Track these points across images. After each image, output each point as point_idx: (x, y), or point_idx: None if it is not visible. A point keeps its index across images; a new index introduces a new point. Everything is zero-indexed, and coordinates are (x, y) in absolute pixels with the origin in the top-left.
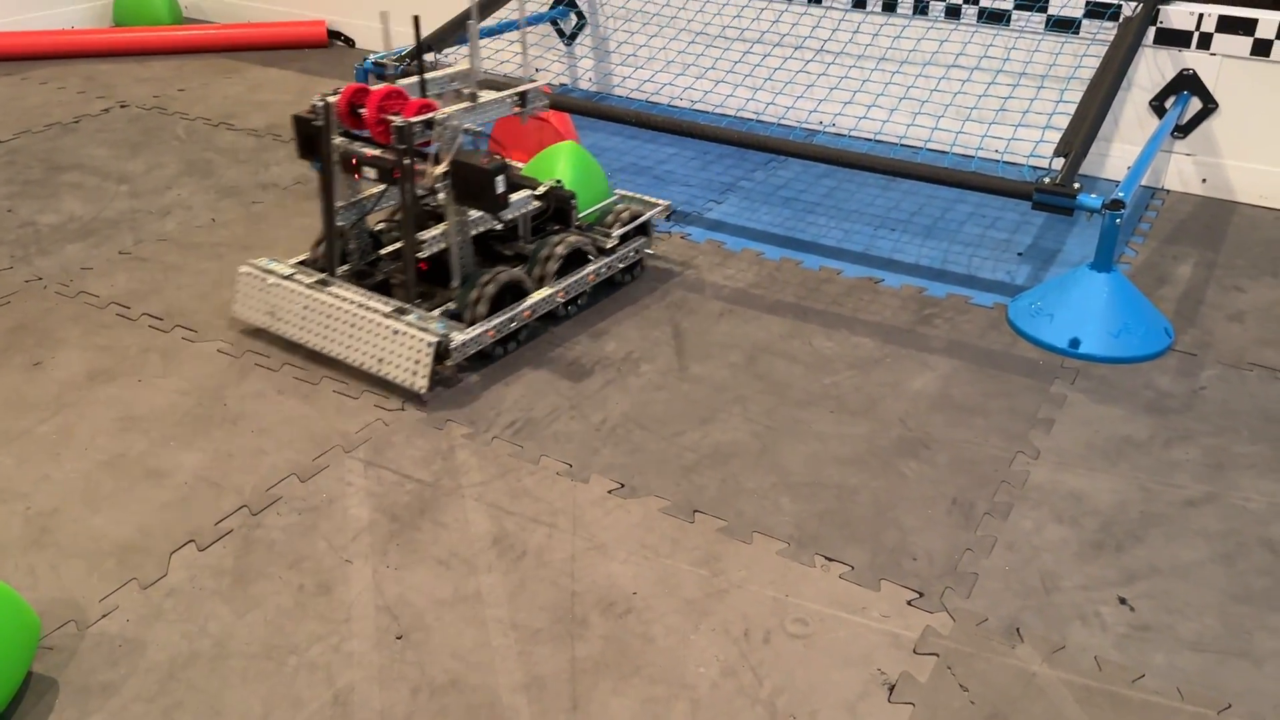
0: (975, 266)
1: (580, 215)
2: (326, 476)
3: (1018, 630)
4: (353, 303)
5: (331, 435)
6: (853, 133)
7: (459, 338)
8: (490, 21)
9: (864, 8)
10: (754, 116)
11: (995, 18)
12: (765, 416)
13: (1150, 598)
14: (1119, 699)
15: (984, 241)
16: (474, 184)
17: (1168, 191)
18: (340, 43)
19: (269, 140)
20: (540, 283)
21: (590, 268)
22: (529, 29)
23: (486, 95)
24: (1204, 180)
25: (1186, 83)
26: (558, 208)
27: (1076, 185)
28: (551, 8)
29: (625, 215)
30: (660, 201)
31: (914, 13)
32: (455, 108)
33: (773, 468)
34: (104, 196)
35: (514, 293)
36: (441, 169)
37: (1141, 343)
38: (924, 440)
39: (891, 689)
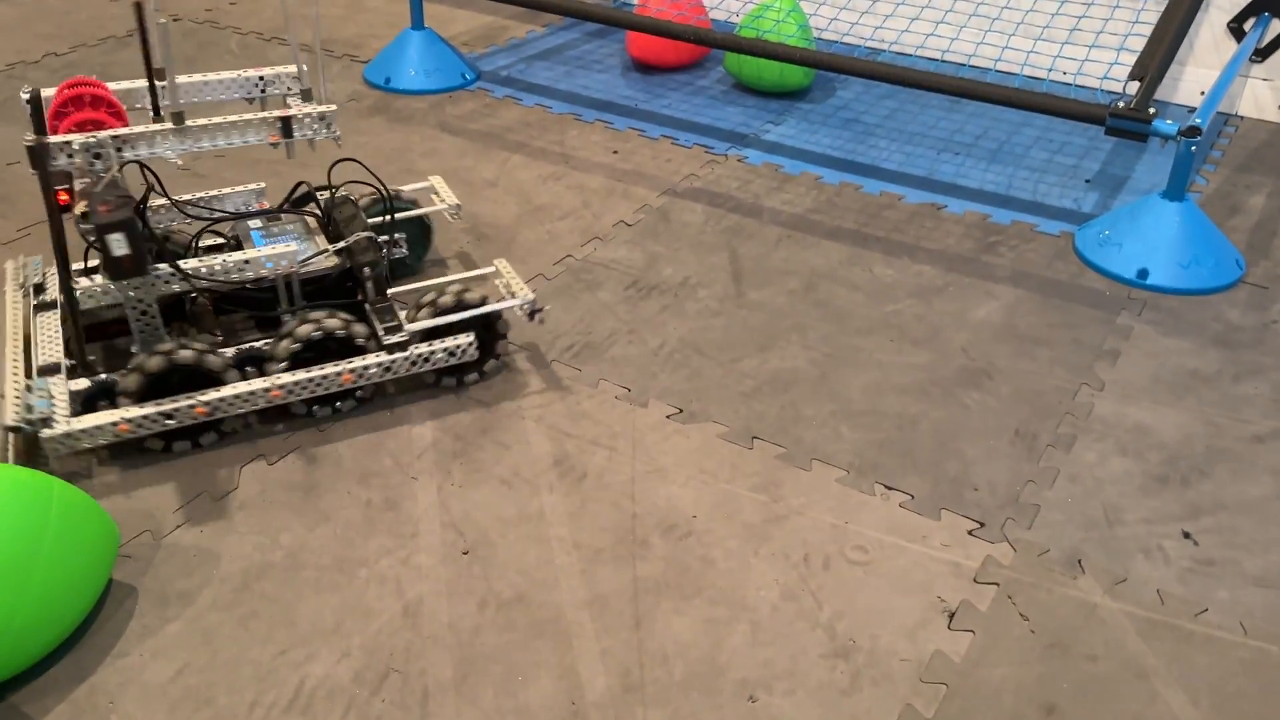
0: (1042, 193)
1: None
2: (390, 393)
3: (1079, 562)
4: None
5: None
6: (918, 52)
7: (61, 426)
8: None
9: None
10: (815, 34)
11: None
12: (824, 344)
13: (1215, 533)
14: (1181, 632)
15: (1051, 167)
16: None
17: (1241, 118)
18: None
19: (322, 55)
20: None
21: (349, 365)
22: None
23: (233, 115)
24: None
25: (1267, 4)
26: (351, 271)
27: (1152, 110)
28: None
29: (445, 301)
30: (519, 290)
31: None
32: (134, 130)
33: (832, 396)
34: None
35: (205, 379)
36: (80, 208)
37: (1212, 274)
38: (987, 370)
39: (951, 616)
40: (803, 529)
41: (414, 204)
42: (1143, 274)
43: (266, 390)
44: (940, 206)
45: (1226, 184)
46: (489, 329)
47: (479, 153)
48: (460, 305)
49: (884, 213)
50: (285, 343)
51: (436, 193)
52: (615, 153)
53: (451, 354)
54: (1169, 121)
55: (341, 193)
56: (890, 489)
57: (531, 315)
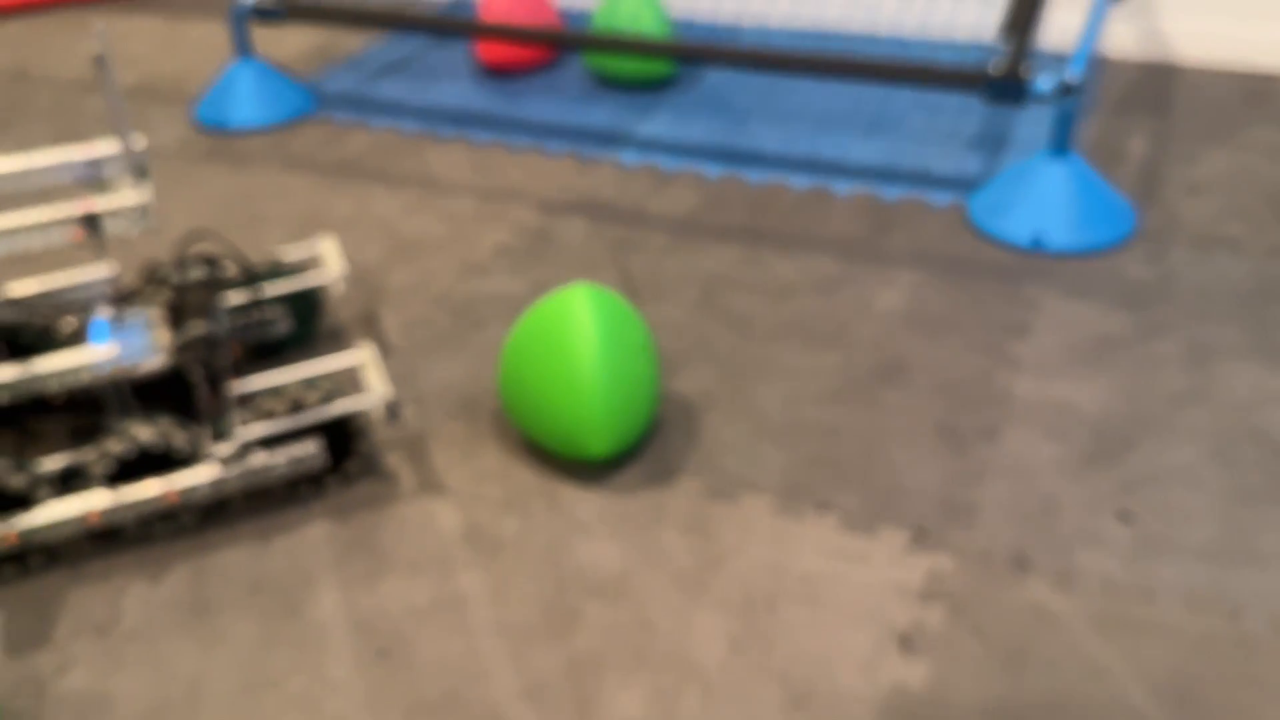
0: (926, 161)
1: None
2: None
3: (1022, 561)
4: None
5: None
6: (784, 24)
7: None
8: None
9: None
10: (671, 14)
11: None
12: (732, 356)
13: (1151, 509)
14: (1132, 621)
15: (932, 133)
16: None
17: (1106, 60)
18: None
19: (143, 99)
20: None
21: (172, 484)
22: None
23: None
24: (1143, 45)
25: None
26: (179, 372)
27: (1025, 69)
28: None
29: (279, 406)
30: (376, 384)
31: None
32: None
33: (749, 413)
34: None
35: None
36: None
37: (1107, 230)
38: (899, 364)
39: (905, 641)
40: (741, 569)
41: (302, 270)
42: (1038, 239)
43: (73, 519)
44: (827, 190)
45: (1104, 130)
46: (342, 428)
47: (332, 188)
48: (297, 408)
49: (771, 203)
50: (98, 461)
51: (324, 258)
52: (480, 171)
53: (290, 463)
54: (1044, 76)
55: (196, 273)
56: (823, 509)
57: (391, 415)
